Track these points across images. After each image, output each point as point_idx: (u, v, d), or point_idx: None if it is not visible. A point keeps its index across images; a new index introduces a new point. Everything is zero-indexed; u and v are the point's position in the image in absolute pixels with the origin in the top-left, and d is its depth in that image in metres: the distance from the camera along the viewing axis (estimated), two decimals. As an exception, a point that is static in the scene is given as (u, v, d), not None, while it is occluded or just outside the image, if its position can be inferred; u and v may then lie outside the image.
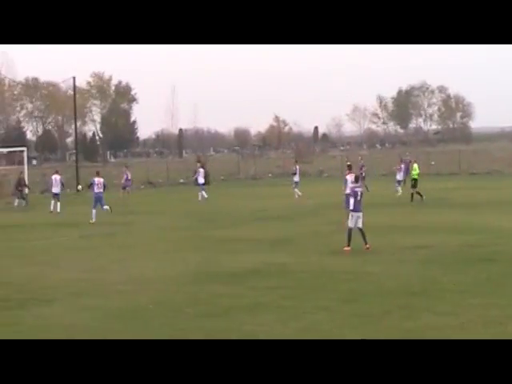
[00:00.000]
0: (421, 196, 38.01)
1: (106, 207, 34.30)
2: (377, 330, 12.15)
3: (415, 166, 40.47)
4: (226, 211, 36.11)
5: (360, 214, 21.67)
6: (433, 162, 73.56)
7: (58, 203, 39.46)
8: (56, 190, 40.12)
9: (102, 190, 34.44)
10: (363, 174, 45.52)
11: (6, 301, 15.66)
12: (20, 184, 45.53)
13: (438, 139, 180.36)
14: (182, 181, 67.39)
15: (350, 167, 30.21)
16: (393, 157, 66.78)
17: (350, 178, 27.33)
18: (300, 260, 19.98)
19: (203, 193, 44.72)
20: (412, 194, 38.40)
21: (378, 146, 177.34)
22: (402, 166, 46.10)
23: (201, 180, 46.08)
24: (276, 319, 13.24)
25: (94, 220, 32.64)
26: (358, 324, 12.70)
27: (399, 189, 43.73)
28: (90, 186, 35.49)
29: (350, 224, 21.67)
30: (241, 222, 30.98)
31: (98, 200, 34.08)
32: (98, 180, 34.77)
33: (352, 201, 21.79)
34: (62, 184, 41.08)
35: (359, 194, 21.88)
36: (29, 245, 25.27)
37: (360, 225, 21.60)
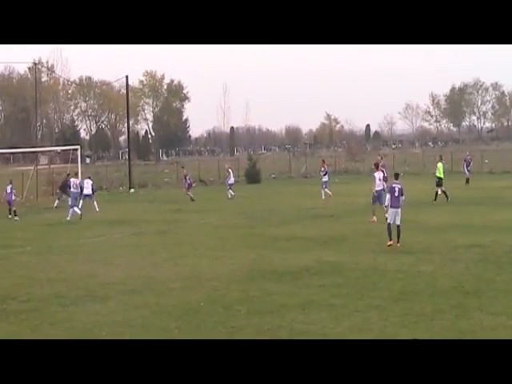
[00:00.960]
0: (446, 196, 37.16)
1: (76, 209, 35.80)
2: (429, 330, 12.08)
3: (439, 164, 39.45)
4: (277, 209, 36.10)
5: (398, 211, 21.90)
6: (486, 161, 72.67)
7: (95, 202, 40.03)
8: (88, 191, 40.65)
9: (78, 191, 37.15)
10: (385, 174, 45.53)
11: (61, 297, 15.89)
12: (64, 185, 46.16)
13: (492, 137, 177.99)
14: (233, 181, 67.49)
15: (377, 166, 30.87)
16: (446, 155, 66.11)
17: (378, 175, 29.54)
18: (352, 258, 19.92)
19: (231, 191, 46.19)
20: (436, 193, 37.65)
21: (430, 144, 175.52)
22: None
23: (231, 180, 47.15)
24: (328, 317, 13.24)
25: (78, 213, 35.06)
26: (410, 323, 12.64)
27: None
28: (69, 187, 37.58)
29: (389, 220, 22.04)
30: (292, 219, 30.97)
31: (75, 199, 36.38)
32: (73, 181, 37.64)
33: (388, 196, 22.21)
34: (93, 189, 41.45)
35: (396, 190, 22.01)
36: (83, 242, 25.59)
37: (398, 222, 21.86)
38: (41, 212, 40.45)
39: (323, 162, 46.47)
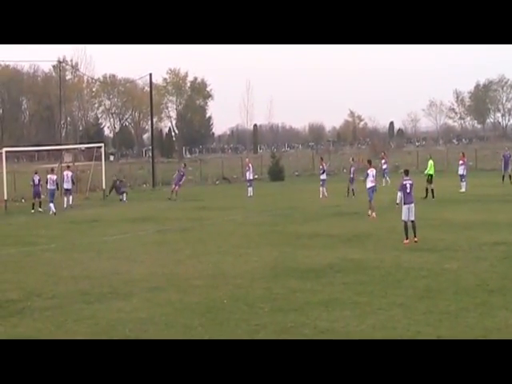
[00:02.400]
0: (431, 194, 37.57)
1: (51, 206, 37.04)
2: (453, 328, 12.03)
3: (430, 162, 40.27)
4: (301, 206, 36.07)
5: (411, 206, 22.08)
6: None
7: (71, 197, 40.55)
8: (67, 185, 40.90)
9: (54, 187, 38.28)
10: (386, 170, 51.63)
11: (85, 294, 15.99)
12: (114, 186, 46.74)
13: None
14: (256, 176, 67.57)
15: (369, 162, 32.18)
16: (470, 152, 65.68)
17: (371, 172, 30.77)
18: (376, 256, 19.87)
19: (250, 189, 45.76)
20: (427, 190, 37.92)
21: (454, 141, 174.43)
22: (465, 160, 45.52)
23: (249, 176, 46.67)
24: (351, 315, 13.22)
25: (53, 211, 36.49)
26: (434, 321, 12.59)
27: (461, 183, 42.86)
28: (46, 183, 38.66)
29: (404, 217, 22.09)
30: (315, 217, 30.93)
31: (51, 195, 37.75)
32: (50, 177, 38.66)
33: (400, 194, 22.29)
34: (73, 181, 41.55)
35: (408, 186, 22.21)
36: (106, 240, 25.71)
37: (412, 217, 21.99)
38: (65, 209, 40.65)
39: (321, 159, 46.50)
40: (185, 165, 51.76)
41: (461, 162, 44.46)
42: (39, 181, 39.17)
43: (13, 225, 33.04)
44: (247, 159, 51.89)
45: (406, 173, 22.96)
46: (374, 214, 29.63)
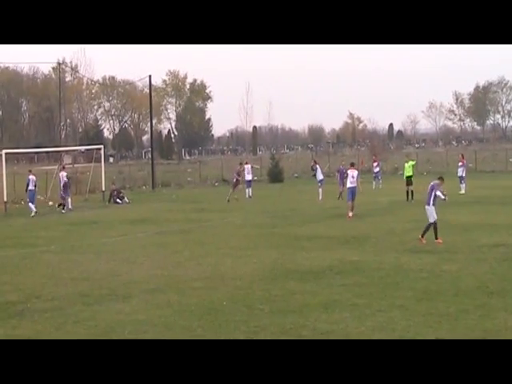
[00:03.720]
0: (410, 196, 38.04)
1: (32, 206, 37.85)
2: (453, 330, 12.02)
3: (411, 163, 40.90)
4: (300, 208, 36.09)
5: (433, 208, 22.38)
6: (511, 159, 72.18)
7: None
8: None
9: (33, 188, 38.59)
10: (379, 174, 52.33)
11: (85, 296, 15.96)
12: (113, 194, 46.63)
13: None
14: (255, 178, 67.55)
15: (352, 164, 33.21)
16: (469, 154, 65.76)
17: (352, 172, 31.61)
18: (375, 258, 19.86)
19: (248, 190, 45.64)
20: (407, 192, 38.39)
21: (454, 143, 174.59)
22: (464, 161, 45.64)
23: (248, 177, 46.41)
24: (350, 317, 13.21)
25: (33, 213, 37.16)
26: (434, 323, 12.58)
27: (460, 185, 42.89)
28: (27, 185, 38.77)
29: (432, 219, 22.22)
30: (315, 219, 30.94)
31: (32, 196, 38.28)
32: (31, 178, 38.93)
33: (438, 193, 22.28)
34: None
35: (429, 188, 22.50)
36: (106, 241, 25.70)
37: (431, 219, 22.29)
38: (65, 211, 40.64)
39: (315, 161, 46.21)
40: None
41: (460, 163, 44.58)
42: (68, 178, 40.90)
43: (12, 226, 33.06)
44: (246, 161, 51.64)
45: (440, 178, 23.16)
46: (350, 213, 30.53)
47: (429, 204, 22.29)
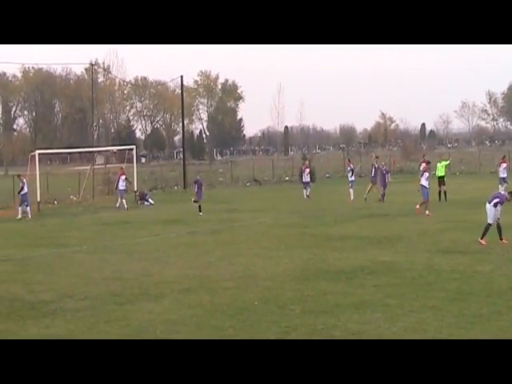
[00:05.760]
0: (443, 197, 37.55)
1: (26, 209, 38.05)
2: (485, 331, 11.91)
3: (438, 165, 39.74)
4: (331, 208, 35.99)
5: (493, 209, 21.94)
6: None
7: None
8: (122, 187, 42.33)
9: (27, 191, 38.25)
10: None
11: (117, 296, 16.05)
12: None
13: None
14: (287, 178, 67.61)
15: (349, 160, 36.96)
16: (503, 154, 65.16)
17: (426, 172, 32.58)
18: (407, 258, 19.75)
19: (306, 191, 45.10)
20: (439, 192, 37.73)
21: (487, 143, 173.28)
22: (507, 163, 44.77)
23: (306, 178, 45.92)
24: (382, 317, 13.14)
25: (20, 216, 37.36)
26: (466, 324, 12.47)
27: (500, 186, 42.33)
28: (21, 189, 38.41)
29: (491, 220, 21.81)
30: (346, 219, 30.84)
31: (25, 199, 38.12)
32: (24, 180, 38.84)
33: (496, 202, 21.81)
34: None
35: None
36: (138, 241, 25.81)
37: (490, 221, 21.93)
38: (97, 211, 40.92)
39: (349, 161, 45.73)
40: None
41: (504, 165, 43.30)
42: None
43: (45, 226, 33.33)
44: (307, 162, 51.03)
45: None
46: (427, 211, 30.59)
47: (490, 202, 21.80)
